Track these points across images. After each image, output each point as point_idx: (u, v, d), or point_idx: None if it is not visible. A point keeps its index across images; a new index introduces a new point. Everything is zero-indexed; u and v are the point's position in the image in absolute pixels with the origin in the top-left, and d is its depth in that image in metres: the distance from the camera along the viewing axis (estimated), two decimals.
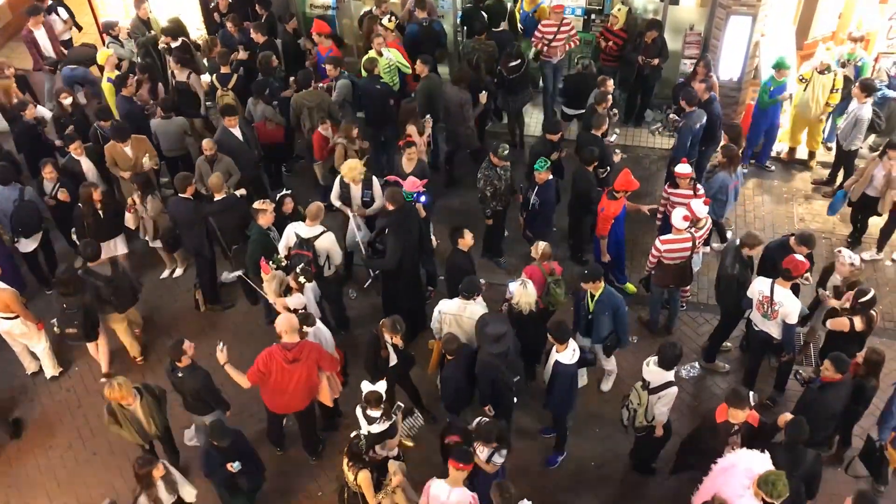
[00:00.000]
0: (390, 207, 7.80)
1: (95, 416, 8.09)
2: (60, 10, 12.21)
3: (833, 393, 6.50)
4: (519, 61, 10.20)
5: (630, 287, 9.05)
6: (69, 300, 7.75)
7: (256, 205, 7.95)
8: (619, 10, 10.67)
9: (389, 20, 10.48)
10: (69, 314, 7.81)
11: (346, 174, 8.35)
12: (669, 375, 6.57)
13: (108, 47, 11.22)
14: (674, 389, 6.57)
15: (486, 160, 8.66)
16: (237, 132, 9.36)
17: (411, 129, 9.14)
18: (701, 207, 7.85)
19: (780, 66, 9.63)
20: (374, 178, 8.61)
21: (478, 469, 6.12)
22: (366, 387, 6.41)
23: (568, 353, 6.62)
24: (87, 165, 9.18)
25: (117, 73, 10.42)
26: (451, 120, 9.90)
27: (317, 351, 6.85)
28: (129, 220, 8.90)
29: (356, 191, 8.49)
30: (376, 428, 6.34)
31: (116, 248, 9.00)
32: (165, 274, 9.58)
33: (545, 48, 10.53)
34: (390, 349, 7.02)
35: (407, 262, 7.98)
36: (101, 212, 8.58)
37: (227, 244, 8.67)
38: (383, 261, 7.99)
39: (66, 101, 9.78)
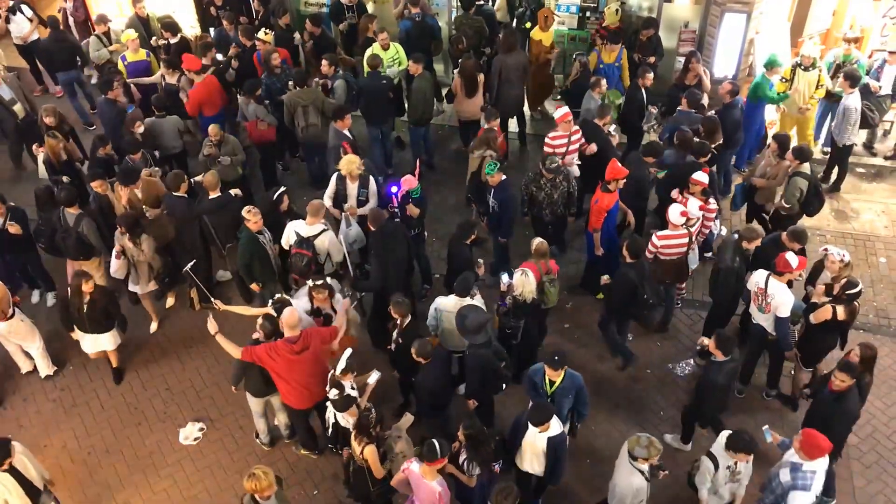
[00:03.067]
0: (371, 228, 7.80)
1: (90, 414, 8.09)
2: (24, 7, 11.82)
3: (851, 400, 6.40)
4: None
5: None
6: (42, 215, 8.53)
7: (244, 212, 7.85)
8: (608, 8, 10.67)
9: (265, 33, 10.29)
10: (40, 229, 8.59)
11: (343, 168, 8.34)
12: (725, 457, 6.14)
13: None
14: (710, 465, 6.15)
15: (537, 171, 8.59)
16: (348, 135, 9.11)
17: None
18: (695, 208, 7.90)
19: (772, 65, 9.63)
20: (371, 177, 8.57)
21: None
22: (347, 352, 6.60)
23: (555, 426, 6.09)
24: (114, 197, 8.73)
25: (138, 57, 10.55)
26: (505, 86, 10.20)
27: (318, 334, 6.86)
28: (118, 267, 8.23)
29: (352, 189, 8.46)
30: (333, 392, 6.46)
31: (105, 343, 8.10)
32: (153, 328, 8.97)
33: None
34: (395, 334, 7.08)
35: (392, 279, 7.86)
36: (88, 305, 7.74)
37: (222, 242, 8.65)
38: (368, 283, 8.04)
39: (139, 130, 9.36)
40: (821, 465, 5.91)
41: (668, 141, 9.07)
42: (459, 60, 10.33)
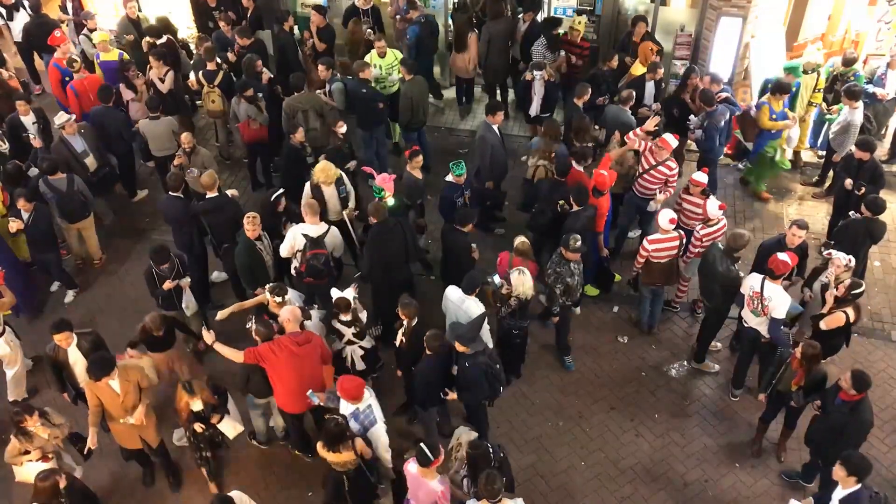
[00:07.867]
0: (372, 220, 7.83)
1: (83, 415, 7.88)
2: (25, 2, 11.79)
3: (865, 409, 6.31)
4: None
5: (616, 277, 9.14)
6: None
7: (245, 219, 7.78)
8: (578, 21, 10.48)
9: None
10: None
11: (319, 176, 8.31)
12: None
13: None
14: None
15: (557, 254, 7.54)
16: (496, 130, 9.20)
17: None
18: (714, 209, 7.87)
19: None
20: (343, 174, 8.60)
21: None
22: (335, 293, 6.82)
23: None
24: None
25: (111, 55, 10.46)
26: (494, 54, 10.84)
27: (319, 338, 6.93)
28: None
29: (329, 190, 8.43)
30: (351, 331, 7.00)
31: None
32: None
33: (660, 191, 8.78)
34: (400, 333, 7.11)
35: (378, 274, 7.97)
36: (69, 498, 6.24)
37: (218, 242, 8.64)
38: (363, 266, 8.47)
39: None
40: (369, 396, 6.40)
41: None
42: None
